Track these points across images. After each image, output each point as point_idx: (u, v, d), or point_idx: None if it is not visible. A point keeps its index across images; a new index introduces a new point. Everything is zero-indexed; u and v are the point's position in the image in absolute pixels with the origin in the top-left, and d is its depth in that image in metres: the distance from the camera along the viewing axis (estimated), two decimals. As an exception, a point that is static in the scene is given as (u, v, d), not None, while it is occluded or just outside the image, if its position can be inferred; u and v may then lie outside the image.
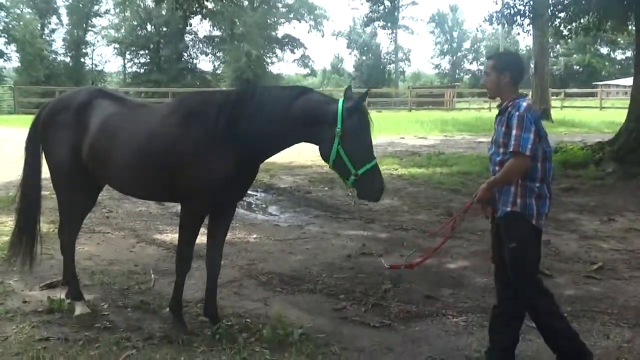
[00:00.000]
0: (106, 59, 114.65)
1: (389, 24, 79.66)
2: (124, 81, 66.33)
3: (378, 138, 21.71)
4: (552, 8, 16.21)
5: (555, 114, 31.58)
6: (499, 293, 4.53)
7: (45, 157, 5.49)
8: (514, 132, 4.07)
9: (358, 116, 4.45)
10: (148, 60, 65.39)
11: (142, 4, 59.42)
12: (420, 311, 5.67)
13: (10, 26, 54.88)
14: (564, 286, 6.39)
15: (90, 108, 5.21)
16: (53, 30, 64.57)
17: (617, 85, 59.54)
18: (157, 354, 4.61)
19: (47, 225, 8.07)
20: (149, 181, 5.01)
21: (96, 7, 65.17)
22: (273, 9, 68.47)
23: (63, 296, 5.56)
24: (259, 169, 5.12)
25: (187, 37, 64.97)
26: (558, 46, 70.21)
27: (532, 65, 29.64)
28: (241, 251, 7.62)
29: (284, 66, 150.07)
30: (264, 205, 10.79)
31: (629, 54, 71.30)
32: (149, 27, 64.27)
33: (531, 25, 18.66)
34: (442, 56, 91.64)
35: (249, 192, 7.66)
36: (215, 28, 64.52)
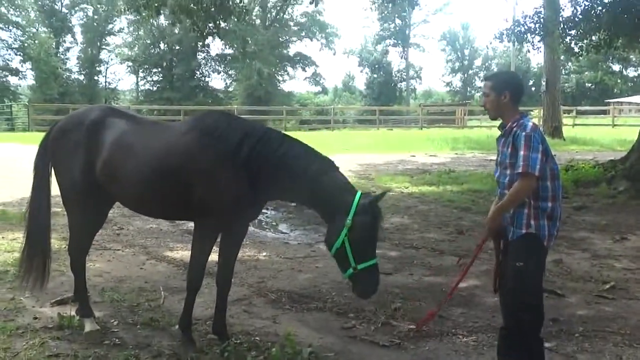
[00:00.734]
0: (119, 76, 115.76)
1: (400, 42, 79.97)
2: (136, 99, 66.77)
3: (389, 156, 21.79)
4: (562, 25, 16.20)
5: (566, 131, 31.47)
6: (505, 315, 4.49)
7: (56, 175, 5.49)
8: (521, 152, 4.02)
9: (371, 215, 4.49)
10: (161, 78, 65.89)
11: (155, 23, 59.90)
12: (430, 330, 5.63)
13: (25, 44, 55.50)
14: (575, 306, 6.34)
15: (103, 125, 5.22)
16: (68, 49, 65.38)
17: (630, 103, 59.21)
18: (165, 372, 4.61)
19: (59, 242, 8.12)
20: (164, 197, 5.00)
21: (110, 26, 65.87)
22: (285, 27, 68.85)
23: (73, 313, 5.57)
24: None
25: (200, 55, 65.41)
26: (570, 63, 70.08)
27: (543, 83, 29.59)
28: (251, 269, 7.62)
29: (295, 84, 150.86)
30: (274, 223, 10.80)
31: (641, 71, 71.20)
32: (162, 45, 64.79)
33: (542, 43, 18.65)
34: (454, 74, 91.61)
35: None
36: (227, 46, 64.91)
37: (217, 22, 17.48)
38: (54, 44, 60.12)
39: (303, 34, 69.17)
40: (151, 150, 4.97)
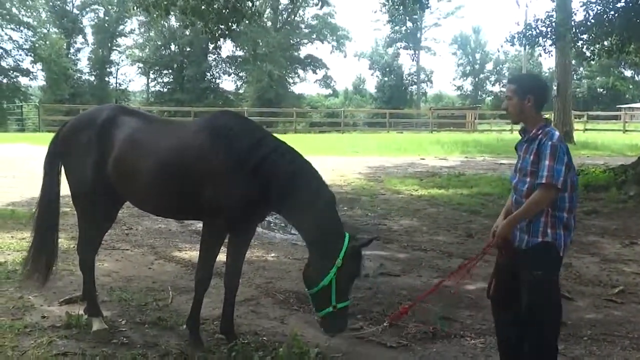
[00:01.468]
0: (130, 78, 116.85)
1: (411, 45, 79.93)
2: (147, 100, 67.11)
3: (399, 159, 21.79)
4: (574, 29, 16.13)
5: (577, 136, 31.39)
6: (500, 325, 4.41)
7: (66, 174, 5.50)
8: (546, 162, 3.88)
9: (358, 259, 4.65)
10: (171, 80, 66.19)
11: (166, 24, 60.18)
12: (437, 332, 5.61)
13: (36, 45, 55.76)
14: (584, 309, 6.31)
15: (114, 124, 5.23)
16: (78, 50, 65.78)
17: (641, 108, 59.02)
18: (172, 371, 4.62)
19: (68, 241, 8.15)
20: (175, 195, 4.99)
21: (121, 27, 66.31)
22: (296, 29, 69.04)
23: (81, 312, 5.59)
24: None
25: (210, 57, 65.65)
26: (581, 68, 69.86)
27: (554, 87, 29.52)
28: (259, 269, 7.63)
29: (306, 86, 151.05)
30: (282, 224, 10.80)
31: (653, 76, 70.81)
32: (172, 47, 65.11)
33: (553, 47, 18.60)
34: (465, 77, 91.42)
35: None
36: (238, 48, 65.14)
37: (229, 24, 17.49)
38: (65, 44, 60.43)
39: (314, 36, 69.29)
40: (162, 149, 4.98)
